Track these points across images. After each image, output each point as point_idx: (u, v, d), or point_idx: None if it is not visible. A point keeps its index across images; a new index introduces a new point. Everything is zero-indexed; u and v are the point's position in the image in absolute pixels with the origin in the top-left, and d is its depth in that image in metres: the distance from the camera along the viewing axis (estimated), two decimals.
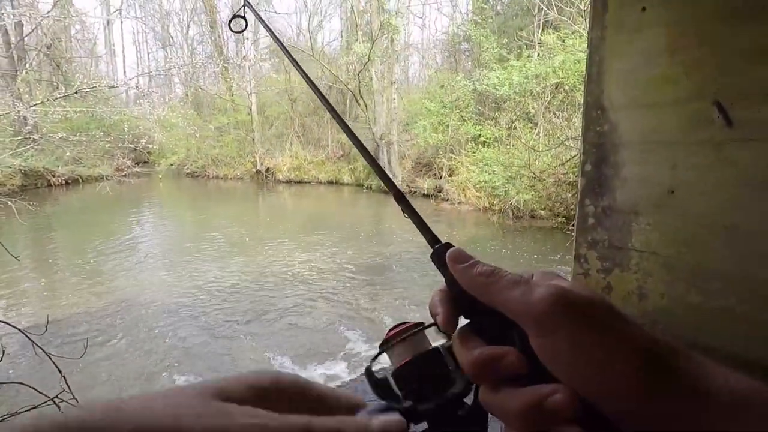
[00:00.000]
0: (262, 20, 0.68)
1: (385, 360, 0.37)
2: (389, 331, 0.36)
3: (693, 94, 2.12)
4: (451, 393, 0.34)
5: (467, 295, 0.32)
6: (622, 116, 2.44)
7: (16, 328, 2.42)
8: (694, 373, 0.26)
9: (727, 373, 0.26)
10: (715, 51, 1.99)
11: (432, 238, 0.37)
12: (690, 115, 2.15)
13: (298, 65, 0.55)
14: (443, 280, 0.35)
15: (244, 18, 0.79)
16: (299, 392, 0.28)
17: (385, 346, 0.36)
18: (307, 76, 0.52)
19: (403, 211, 0.40)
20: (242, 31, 0.84)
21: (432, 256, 0.35)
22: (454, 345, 0.32)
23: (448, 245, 0.35)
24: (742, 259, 2.34)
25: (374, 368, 0.36)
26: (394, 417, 0.27)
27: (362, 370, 2.76)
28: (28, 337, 2.56)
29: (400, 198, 0.41)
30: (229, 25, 0.79)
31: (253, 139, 19.87)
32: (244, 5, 0.77)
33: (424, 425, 0.34)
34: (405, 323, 0.36)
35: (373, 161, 0.45)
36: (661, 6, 2.19)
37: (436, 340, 0.37)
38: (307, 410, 0.26)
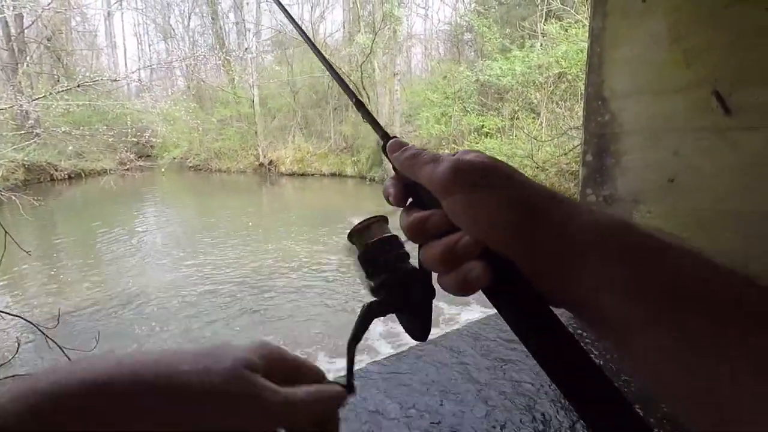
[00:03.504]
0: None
1: None
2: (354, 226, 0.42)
3: (693, 81, 2.13)
4: (405, 267, 0.40)
5: (407, 177, 0.38)
6: (623, 105, 2.46)
7: (29, 322, 2.46)
8: (565, 213, 0.32)
9: (596, 212, 0.32)
10: (715, 36, 2.00)
11: (383, 134, 0.43)
12: (691, 102, 2.16)
13: (310, 41, 0.60)
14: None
15: None
16: (281, 362, 0.34)
17: (351, 237, 0.42)
18: (320, 53, 0.57)
19: (363, 117, 0.48)
20: None
21: (382, 148, 0.42)
22: (400, 216, 0.38)
23: (391, 139, 0.41)
24: (744, 241, 2.36)
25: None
26: (335, 388, 0.36)
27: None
28: (42, 331, 2.61)
29: (359, 105, 0.50)
30: None
31: (256, 132, 19.85)
32: None
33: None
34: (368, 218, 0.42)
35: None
36: None
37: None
38: (287, 379, 0.32)
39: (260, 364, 0.31)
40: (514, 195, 0.33)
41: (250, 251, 8.08)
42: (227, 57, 20.82)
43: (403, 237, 0.40)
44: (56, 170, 17.45)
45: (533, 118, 12.08)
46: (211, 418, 0.28)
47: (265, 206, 13.91)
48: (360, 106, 0.49)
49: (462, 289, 0.33)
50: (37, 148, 15.00)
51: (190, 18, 27.05)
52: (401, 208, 0.39)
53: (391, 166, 0.40)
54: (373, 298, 0.40)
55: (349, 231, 0.42)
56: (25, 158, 14.30)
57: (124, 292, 6.19)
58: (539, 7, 14.17)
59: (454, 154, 0.36)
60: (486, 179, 0.33)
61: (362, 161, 16.85)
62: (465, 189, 0.33)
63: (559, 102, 11.68)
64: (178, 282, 6.61)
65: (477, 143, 12.34)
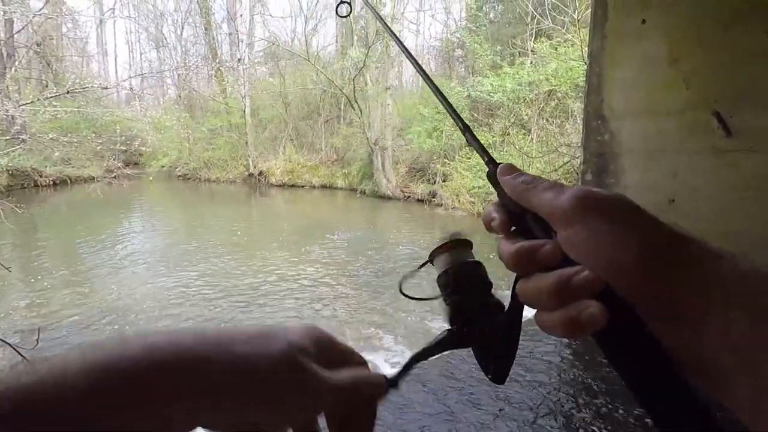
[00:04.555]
0: (370, 5, 0.74)
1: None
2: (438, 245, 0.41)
3: (693, 102, 2.15)
4: (490, 298, 0.38)
5: (515, 204, 0.36)
6: (623, 125, 2.48)
7: (6, 343, 2.36)
8: (705, 258, 0.28)
9: (741, 261, 0.28)
10: (714, 59, 2.03)
11: (490, 159, 0.41)
12: (690, 123, 2.18)
13: (408, 52, 0.61)
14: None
15: (349, 3, 0.86)
16: (330, 347, 0.34)
17: (432, 256, 0.41)
18: (416, 62, 0.58)
19: (467, 141, 0.47)
20: (347, 15, 0.91)
21: (487, 174, 0.40)
22: (500, 242, 0.36)
23: (500, 164, 0.40)
24: None
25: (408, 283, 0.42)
26: (377, 377, 0.35)
27: None
28: (20, 354, 2.50)
29: (466, 128, 0.48)
30: (336, 11, 0.89)
31: (246, 142, 19.76)
32: None
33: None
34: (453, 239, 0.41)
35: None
36: (660, 17, 2.23)
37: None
38: (333, 364, 0.32)
39: (312, 349, 0.31)
40: (647, 231, 0.30)
41: (235, 265, 7.97)
42: (219, 67, 20.79)
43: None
44: (41, 176, 17.13)
45: (524, 134, 12.22)
46: (262, 400, 0.28)
47: (254, 217, 13.78)
48: (467, 130, 0.47)
49: (571, 329, 0.30)
50: (23, 153, 14.72)
51: (183, 28, 27.01)
52: (501, 236, 0.37)
53: (497, 192, 0.39)
54: (450, 326, 0.38)
55: (432, 249, 0.41)
56: (9, 164, 14.01)
57: (107, 307, 6.02)
58: (529, 26, 14.45)
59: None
60: (616, 211, 0.31)
61: (353, 174, 16.84)
62: (591, 219, 0.30)
63: (549, 119, 11.85)
64: (159, 295, 6.47)
65: (468, 158, 12.43)
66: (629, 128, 2.36)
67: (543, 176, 0.35)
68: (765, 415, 0.25)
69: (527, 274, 0.33)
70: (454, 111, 0.50)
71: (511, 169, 0.37)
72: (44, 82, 17.67)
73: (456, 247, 0.40)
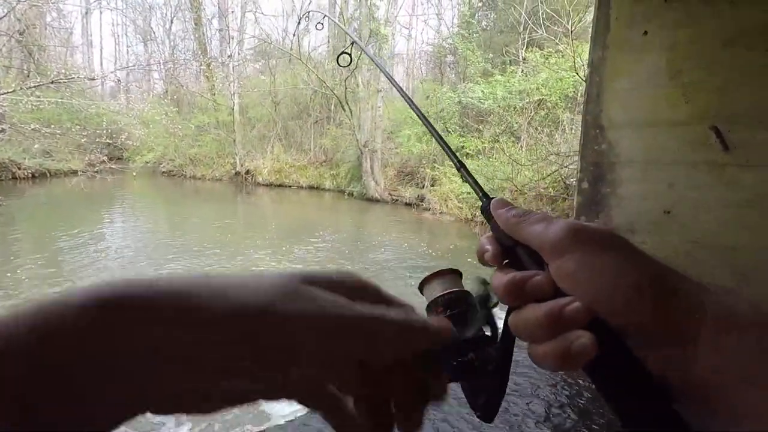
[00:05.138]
0: (371, 56, 0.82)
1: None
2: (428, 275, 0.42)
3: (692, 116, 2.16)
4: (480, 332, 0.37)
5: (507, 237, 0.37)
6: (621, 135, 2.48)
7: None
8: (691, 287, 0.29)
9: (723, 294, 0.29)
10: (714, 75, 2.05)
11: (484, 194, 0.43)
12: (688, 136, 2.19)
13: (412, 102, 0.65)
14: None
15: (349, 54, 0.93)
16: (362, 288, 0.31)
17: (422, 285, 0.41)
18: (420, 111, 0.62)
19: (462, 178, 0.49)
20: (348, 65, 0.99)
21: (481, 209, 0.41)
22: (493, 274, 0.36)
23: (493, 198, 0.41)
24: (737, 278, 2.38)
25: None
26: (445, 320, 0.34)
27: None
28: None
29: (461, 167, 0.51)
30: (337, 61, 0.98)
31: (234, 140, 19.54)
32: (352, 43, 0.92)
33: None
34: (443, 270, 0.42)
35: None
36: (662, 30, 2.24)
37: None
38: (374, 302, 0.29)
39: (329, 283, 0.29)
40: (637, 262, 0.30)
41: (216, 260, 7.85)
42: (209, 63, 20.54)
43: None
44: (19, 168, 16.67)
45: (513, 141, 12.33)
46: (260, 333, 0.25)
47: (239, 216, 13.61)
48: (461, 167, 0.51)
49: (562, 360, 0.30)
50: (1, 144, 14.30)
51: (172, 22, 26.58)
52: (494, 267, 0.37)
53: (491, 226, 0.39)
54: None
55: (421, 279, 0.41)
56: None
57: None
58: (521, 35, 14.62)
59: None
60: (606, 244, 0.31)
61: (341, 175, 16.78)
62: (581, 250, 0.31)
63: (539, 128, 11.98)
64: None
65: None
66: (627, 139, 2.37)
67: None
68: None
69: (519, 305, 0.33)
70: (450, 149, 0.53)
71: (504, 203, 0.38)
72: (26, 71, 17.23)
73: (446, 275, 0.40)
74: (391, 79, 0.71)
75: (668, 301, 0.28)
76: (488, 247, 0.38)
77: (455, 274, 0.41)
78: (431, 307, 0.40)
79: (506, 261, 0.37)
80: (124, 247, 8.85)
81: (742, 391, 0.26)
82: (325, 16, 6.50)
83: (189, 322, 0.24)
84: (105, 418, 0.23)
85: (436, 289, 0.40)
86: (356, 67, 15.30)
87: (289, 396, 0.27)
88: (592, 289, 0.30)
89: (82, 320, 0.22)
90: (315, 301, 0.27)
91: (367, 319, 0.28)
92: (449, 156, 0.52)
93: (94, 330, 0.22)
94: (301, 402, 0.27)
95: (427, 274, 0.41)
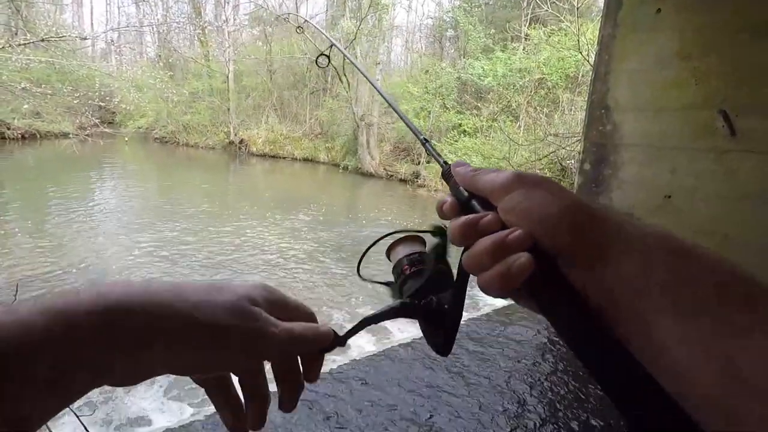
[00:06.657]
0: (349, 58, 0.88)
1: None
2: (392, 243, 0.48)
3: (700, 101, 2.14)
4: (437, 276, 0.43)
5: (464, 194, 0.41)
6: (626, 117, 2.45)
7: None
8: (611, 221, 0.33)
9: (638, 225, 0.33)
10: (726, 61, 2.01)
11: (444, 162, 0.48)
12: (695, 122, 2.17)
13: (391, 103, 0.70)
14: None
15: (327, 56, 0.97)
16: (280, 301, 0.38)
17: (389, 251, 0.47)
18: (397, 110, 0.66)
19: (427, 151, 0.55)
20: (326, 66, 1.03)
21: (442, 174, 0.46)
22: (449, 224, 0.40)
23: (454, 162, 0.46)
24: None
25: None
26: (325, 328, 0.39)
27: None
28: None
29: (426, 141, 0.58)
30: (316, 62, 1.01)
31: (228, 109, 19.19)
32: (330, 46, 0.95)
33: None
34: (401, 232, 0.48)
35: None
36: (676, 10, 2.18)
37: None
38: (285, 316, 0.37)
39: (262, 301, 0.36)
40: (570, 197, 0.35)
41: (202, 229, 7.82)
42: (203, 27, 19.94)
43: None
44: (8, 128, 16.30)
45: (512, 120, 12.24)
46: (215, 345, 0.32)
47: (231, 186, 13.48)
48: (426, 142, 0.57)
49: (504, 280, 0.33)
50: None
51: None
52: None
53: (450, 186, 0.43)
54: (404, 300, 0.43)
55: (387, 248, 0.47)
56: None
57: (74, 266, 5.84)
58: (525, 11, 14.32)
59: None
60: (545, 183, 0.36)
61: (336, 148, 16.61)
62: (522, 188, 0.35)
63: (538, 107, 11.88)
64: (125, 255, 6.31)
65: (455, 141, 12.40)
66: (632, 121, 2.35)
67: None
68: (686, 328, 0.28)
69: (472, 243, 0.36)
70: (414, 126, 0.60)
71: (463, 163, 0.43)
72: (13, 28, 16.61)
73: (404, 240, 0.47)
74: (365, 74, 0.77)
75: (582, 226, 0.32)
76: (447, 199, 0.42)
77: (416, 239, 0.47)
78: (397, 268, 0.46)
79: (462, 213, 0.41)
80: (114, 210, 8.77)
81: (650, 315, 0.28)
82: (306, 20, 6.21)
83: (162, 328, 0.31)
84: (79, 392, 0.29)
85: (400, 253, 0.46)
86: (354, 38, 14.97)
87: (201, 375, 0.36)
88: (529, 219, 0.34)
89: (89, 323, 0.29)
90: (254, 320, 0.34)
91: (278, 335, 0.35)
92: (413, 132, 0.58)
93: (98, 334, 0.29)
94: (201, 383, 0.37)
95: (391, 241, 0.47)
